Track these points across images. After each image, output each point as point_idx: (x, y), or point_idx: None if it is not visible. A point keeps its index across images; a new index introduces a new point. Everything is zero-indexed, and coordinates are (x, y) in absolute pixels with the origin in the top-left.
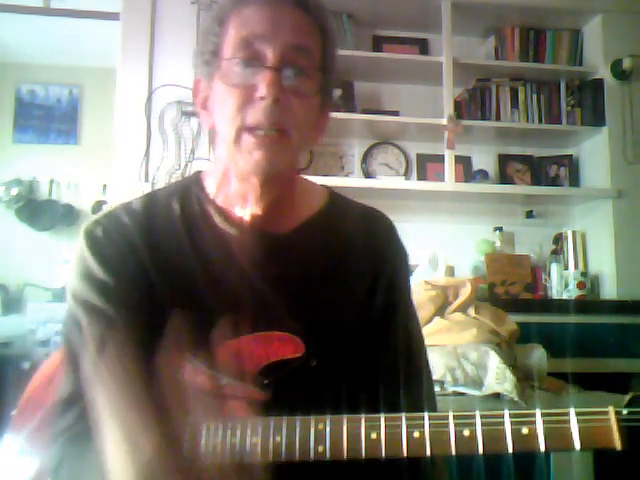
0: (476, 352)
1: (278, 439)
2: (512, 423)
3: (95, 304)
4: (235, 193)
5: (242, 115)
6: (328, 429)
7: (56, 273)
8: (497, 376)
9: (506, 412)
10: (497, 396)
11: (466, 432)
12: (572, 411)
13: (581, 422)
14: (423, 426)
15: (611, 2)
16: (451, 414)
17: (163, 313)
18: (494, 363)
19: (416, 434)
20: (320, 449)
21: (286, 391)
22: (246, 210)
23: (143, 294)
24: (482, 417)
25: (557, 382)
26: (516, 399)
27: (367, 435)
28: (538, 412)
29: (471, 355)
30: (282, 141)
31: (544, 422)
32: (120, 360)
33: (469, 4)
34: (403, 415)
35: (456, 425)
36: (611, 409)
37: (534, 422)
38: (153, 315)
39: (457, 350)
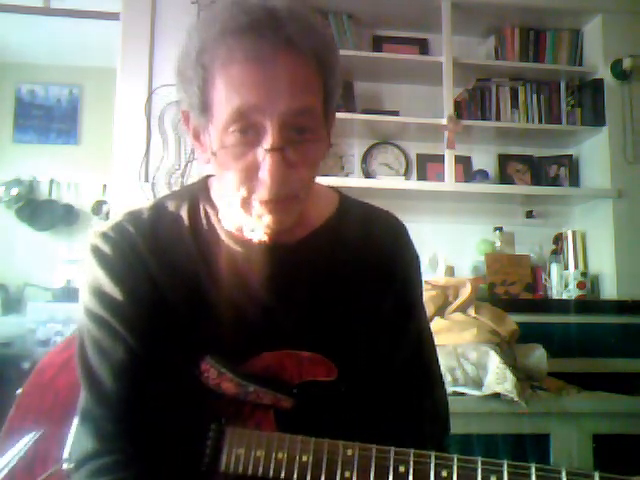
0: (476, 352)
1: (305, 459)
2: (537, 477)
3: (110, 322)
4: (243, 225)
5: (247, 188)
6: (356, 457)
7: (56, 273)
8: (497, 376)
9: (533, 466)
10: (497, 396)
11: (493, 478)
12: (597, 475)
13: None
14: (451, 467)
15: (611, 2)
16: (480, 459)
17: (175, 325)
18: (494, 363)
19: (444, 473)
20: (347, 474)
21: (312, 407)
22: (256, 233)
23: (155, 309)
24: (509, 466)
25: (557, 382)
26: (516, 399)
27: (395, 468)
28: (563, 470)
29: (471, 355)
30: (292, 203)
31: (568, 479)
32: (133, 379)
33: (469, 4)
34: (432, 454)
35: (484, 470)
36: (637, 479)
37: (559, 478)
38: (165, 327)
39: (457, 350)
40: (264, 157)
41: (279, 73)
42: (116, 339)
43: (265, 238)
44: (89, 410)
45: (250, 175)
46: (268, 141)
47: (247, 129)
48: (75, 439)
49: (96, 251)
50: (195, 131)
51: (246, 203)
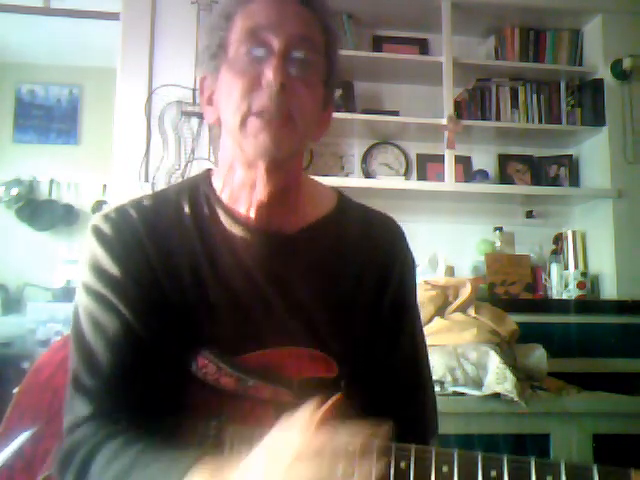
0: (476, 352)
1: None
2: (537, 471)
3: (106, 296)
4: (241, 184)
5: (248, 100)
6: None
7: (56, 273)
8: (497, 376)
9: (532, 459)
10: (497, 396)
11: (493, 473)
12: (595, 468)
13: (602, 478)
14: (452, 462)
15: (611, 2)
16: (480, 455)
17: (171, 311)
18: (494, 363)
19: (445, 469)
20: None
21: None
22: (253, 202)
23: (151, 291)
24: (509, 461)
25: (557, 382)
26: (516, 399)
27: (397, 464)
28: (562, 463)
29: (471, 355)
30: (288, 126)
31: (567, 472)
32: (127, 353)
33: (469, 4)
34: (433, 449)
35: (484, 466)
36: (632, 471)
37: (558, 472)
38: (161, 310)
39: (457, 350)
40: (269, 64)
41: (290, 12)
42: (112, 312)
43: (263, 199)
44: (80, 379)
45: (255, 85)
46: (274, 49)
47: (257, 46)
48: (67, 407)
49: (96, 230)
50: (209, 95)
51: (245, 121)
